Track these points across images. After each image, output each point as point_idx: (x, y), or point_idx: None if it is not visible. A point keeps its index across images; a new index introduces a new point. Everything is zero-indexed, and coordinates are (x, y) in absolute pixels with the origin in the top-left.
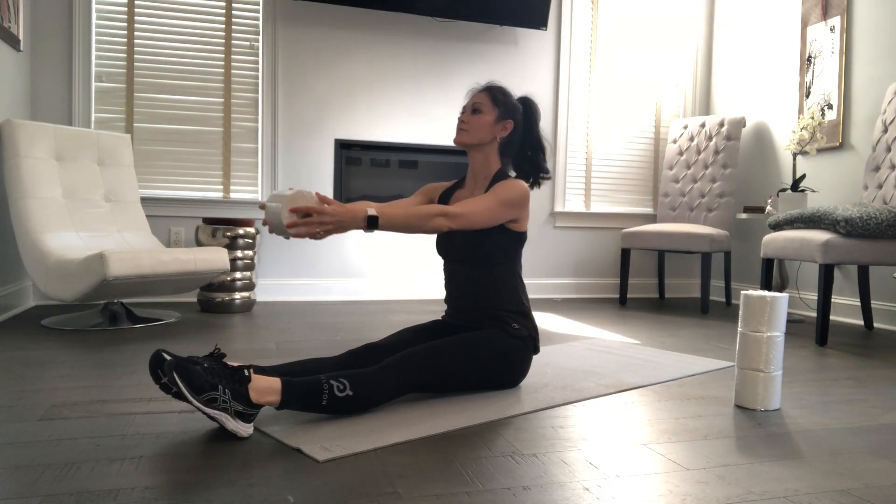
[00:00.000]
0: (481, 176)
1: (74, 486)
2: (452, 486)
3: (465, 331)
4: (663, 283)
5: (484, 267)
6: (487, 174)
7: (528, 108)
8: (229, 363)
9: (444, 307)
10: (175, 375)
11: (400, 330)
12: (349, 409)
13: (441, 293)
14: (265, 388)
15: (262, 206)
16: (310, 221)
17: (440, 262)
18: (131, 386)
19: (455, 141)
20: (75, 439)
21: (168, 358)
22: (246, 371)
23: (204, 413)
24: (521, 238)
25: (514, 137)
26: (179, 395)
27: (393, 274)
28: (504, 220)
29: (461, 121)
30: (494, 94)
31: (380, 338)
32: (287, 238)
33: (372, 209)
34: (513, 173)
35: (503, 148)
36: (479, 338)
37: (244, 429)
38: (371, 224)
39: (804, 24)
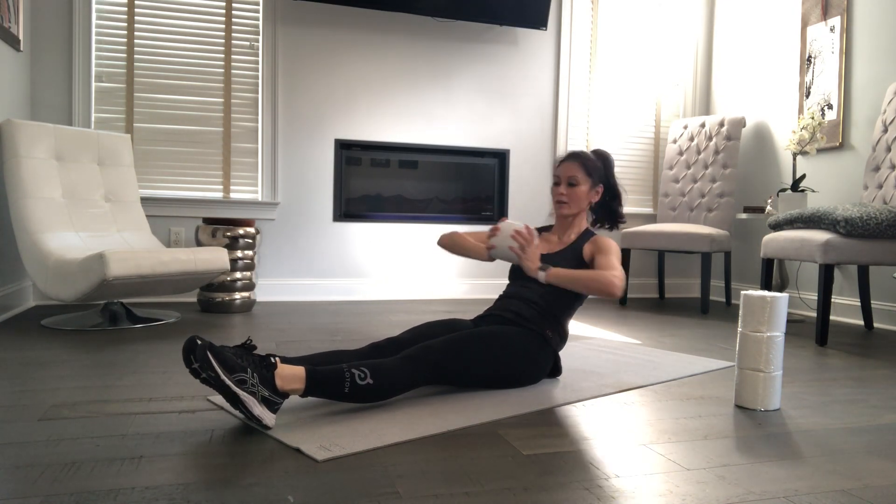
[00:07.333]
0: (573, 232)
1: (74, 486)
2: (452, 486)
3: (503, 320)
4: (663, 283)
5: (551, 289)
6: (578, 230)
7: (606, 164)
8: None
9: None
10: (209, 354)
11: (420, 324)
12: (370, 396)
13: (441, 293)
14: (290, 375)
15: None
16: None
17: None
18: (131, 386)
19: (560, 214)
20: (75, 439)
21: (200, 342)
22: (272, 359)
23: (232, 394)
24: None
25: (603, 197)
26: (209, 380)
27: (393, 274)
28: None
29: (560, 193)
30: (585, 164)
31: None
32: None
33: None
34: (591, 216)
35: (591, 206)
36: (504, 331)
37: (269, 416)
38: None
39: (804, 24)
